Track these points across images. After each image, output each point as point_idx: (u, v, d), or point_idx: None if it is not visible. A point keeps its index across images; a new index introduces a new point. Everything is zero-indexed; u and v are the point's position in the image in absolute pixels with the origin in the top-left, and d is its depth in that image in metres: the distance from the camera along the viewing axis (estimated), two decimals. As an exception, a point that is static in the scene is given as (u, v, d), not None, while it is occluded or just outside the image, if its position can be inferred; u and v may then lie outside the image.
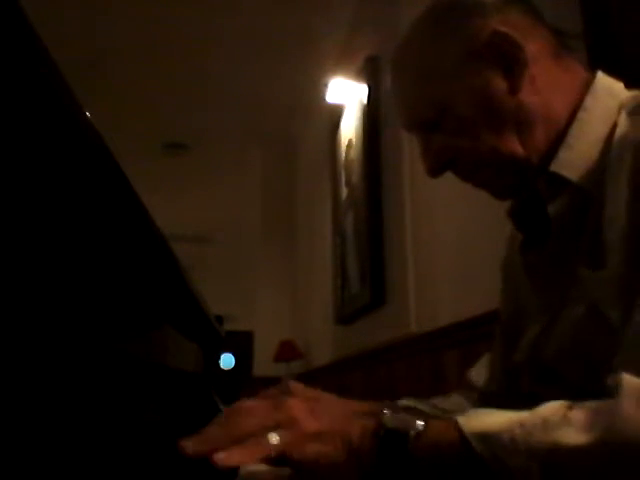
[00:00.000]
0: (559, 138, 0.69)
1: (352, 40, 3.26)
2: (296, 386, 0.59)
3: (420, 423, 0.53)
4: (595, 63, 1.07)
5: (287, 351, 4.16)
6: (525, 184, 0.73)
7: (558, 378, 0.69)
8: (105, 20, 3.33)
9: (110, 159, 0.47)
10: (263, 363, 4.47)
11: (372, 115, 2.81)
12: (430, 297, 2.16)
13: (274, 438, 0.51)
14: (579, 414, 0.50)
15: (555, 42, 0.73)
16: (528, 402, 0.73)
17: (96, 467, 0.50)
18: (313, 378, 3.91)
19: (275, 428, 0.52)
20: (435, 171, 0.77)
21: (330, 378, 3.45)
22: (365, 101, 2.88)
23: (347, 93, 3.21)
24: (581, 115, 0.69)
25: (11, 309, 0.36)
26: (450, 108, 0.72)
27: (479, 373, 0.93)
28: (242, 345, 6.04)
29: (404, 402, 0.85)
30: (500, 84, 0.70)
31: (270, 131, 4.68)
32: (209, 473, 0.63)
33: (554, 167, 0.68)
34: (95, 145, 0.44)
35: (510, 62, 0.70)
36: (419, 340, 2.14)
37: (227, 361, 4.64)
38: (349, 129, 3.21)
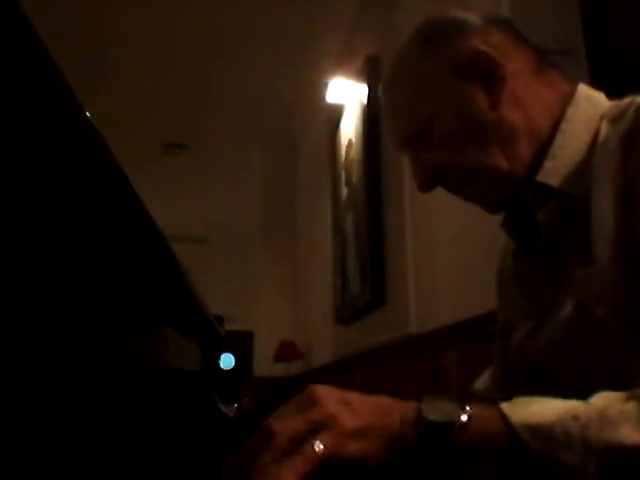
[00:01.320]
0: (543, 149, 0.72)
1: (352, 40, 3.26)
2: (321, 387, 0.56)
3: (462, 415, 0.52)
4: (595, 72, 1.07)
5: (287, 351, 4.16)
6: (512, 196, 0.76)
7: (547, 377, 0.70)
8: (105, 20, 3.33)
9: (110, 159, 0.47)
10: (263, 363, 4.47)
11: (372, 115, 2.80)
12: (430, 297, 2.16)
13: (317, 445, 0.49)
14: (637, 408, 0.49)
15: (536, 59, 0.76)
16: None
17: (96, 467, 0.50)
18: (313, 378, 3.91)
19: (313, 431, 0.50)
20: (425, 186, 0.79)
21: (330, 378, 3.45)
22: (365, 101, 2.88)
23: (347, 93, 3.21)
24: (564, 126, 0.72)
25: (12, 310, 0.36)
26: (436, 123, 0.75)
27: (484, 384, 0.94)
28: (242, 345, 6.04)
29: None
30: (481, 100, 0.73)
31: (270, 131, 4.68)
32: (209, 473, 0.63)
33: (540, 177, 0.71)
34: (95, 145, 0.44)
35: (490, 79, 0.73)
36: (419, 340, 2.14)
37: (227, 361, 4.63)
38: (349, 129, 3.21)
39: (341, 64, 3.37)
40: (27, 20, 0.33)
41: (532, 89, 0.74)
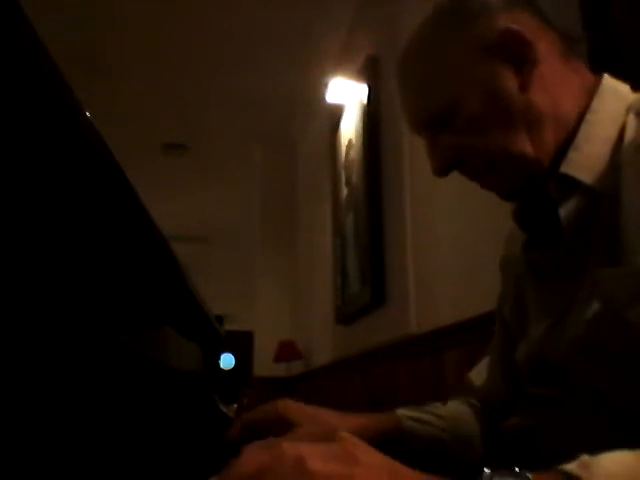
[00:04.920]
0: (568, 139, 0.69)
1: (352, 40, 3.26)
2: (370, 451, 0.43)
3: None
4: (595, 65, 1.07)
5: (287, 351, 4.16)
6: (533, 186, 0.73)
7: (562, 378, 0.68)
8: (105, 20, 3.33)
9: (110, 159, 0.47)
10: (263, 363, 4.47)
11: (372, 115, 2.81)
12: (430, 297, 2.16)
13: None
14: None
15: (563, 44, 0.73)
16: (532, 406, 0.72)
17: (96, 466, 0.50)
18: (313, 378, 3.92)
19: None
20: (442, 171, 0.76)
21: (330, 378, 3.45)
22: (365, 101, 2.88)
23: (347, 93, 3.21)
24: (589, 117, 0.69)
25: (11, 310, 0.36)
26: (459, 105, 0.71)
27: (479, 375, 0.92)
28: (242, 345, 6.04)
29: (403, 412, 0.85)
30: (510, 82, 0.70)
31: (270, 131, 4.68)
32: (209, 473, 0.63)
33: (564, 168, 0.68)
34: (95, 145, 0.44)
35: (520, 60, 0.70)
36: (419, 340, 2.14)
37: (227, 361, 4.64)
38: (349, 129, 3.21)
39: (341, 64, 3.37)
40: (27, 20, 0.33)
41: (560, 75, 0.71)
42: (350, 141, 3.18)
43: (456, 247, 1.96)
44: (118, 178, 0.50)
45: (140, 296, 0.71)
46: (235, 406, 1.35)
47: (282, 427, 0.68)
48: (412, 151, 2.36)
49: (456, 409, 0.89)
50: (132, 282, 0.66)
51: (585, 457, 0.44)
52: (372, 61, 2.82)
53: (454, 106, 0.71)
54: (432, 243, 2.16)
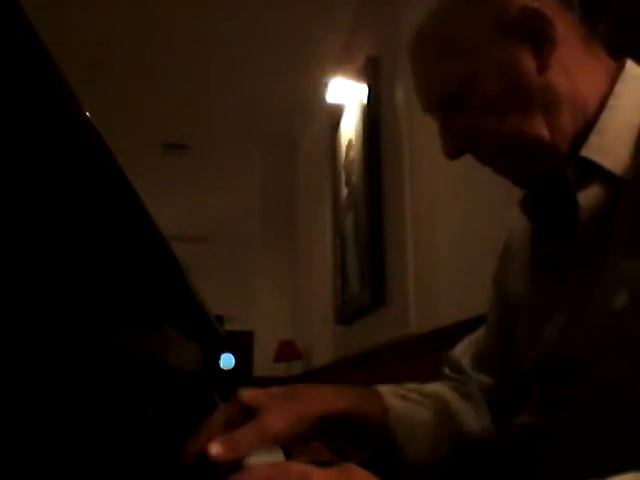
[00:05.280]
0: (587, 124, 0.67)
1: (352, 40, 3.26)
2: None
3: None
4: (616, 50, 1.04)
5: (287, 351, 4.16)
6: (549, 171, 0.70)
7: (577, 376, 0.65)
8: (105, 20, 3.33)
9: (110, 159, 0.47)
10: (263, 363, 4.47)
11: (372, 115, 2.81)
12: (430, 297, 2.16)
13: None
14: None
15: (582, 28, 0.70)
16: (543, 404, 0.70)
17: (96, 467, 0.50)
18: (313, 378, 3.91)
19: None
20: (454, 153, 0.73)
21: (330, 378, 3.45)
22: (365, 101, 2.88)
23: (347, 93, 3.21)
24: (612, 102, 0.67)
25: (11, 309, 0.36)
26: (475, 83, 0.68)
27: (467, 355, 0.88)
28: (242, 345, 6.05)
29: (383, 389, 0.79)
30: (529, 61, 0.67)
31: (270, 131, 4.68)
32: (208, 472, 0.63)
33: (585, 152, 0.65)
34: (95, 145, 0.44)
35: (540, 39, 0.67)
36: (419, 340, 2.14)
37: (227, 361, 4.64)
38: (349, 129, 3.21)
39: (341, 64, 3.37)
40: (27, 20, 0.33)
41: (579, 58, 0.69)
42: (350, 141, 3.18)
43: (456, 247, 1.96)
44: (118, 178, 0.50)
45: (140, 296, 0.71)
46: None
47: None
48: (412, 151, 2.36)
49: (441, 391, 0.84)
50: (132, 282, 0.66)
51: None
52: (372, 61, 2.83)
53: (469, 85, 0.69)
54: (432, 243, 2.16)
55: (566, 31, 0.68)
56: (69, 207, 0.45)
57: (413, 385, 0.84)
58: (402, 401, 0.78)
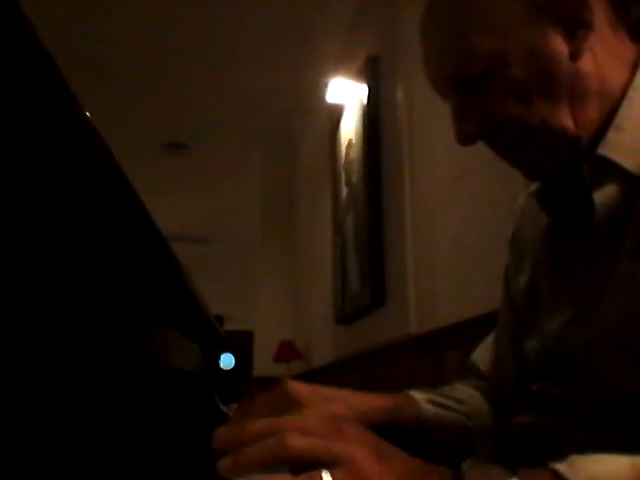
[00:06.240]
0: (609, 118, 0.63)
1: (352, 40, 3.26)
2: (360, 429, 0.48)
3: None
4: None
5: (287, 351, 4.16)
6: (567, 164, 0.66)
7: (577, 375, 0.64)
8: (105, 20, 3.33)
9: (110, 159, 0.47)
10: (263, 363, 4.47)
11: (372, 115, 2.81)
12: (430, 297, 2.16)
13: (327, 478, 0.42)
14: None
15: (612, 10, 0.65)
16: (544, 405, 0.70)
17: (96, 467, 0.50)
18: (313, 378, 3.91)
19: (329, 464, 0.43)
20: (470, 138, 0.67)
21: (330, 378, 3.45)
22: (365, 101, 2.88)
23: (347, 93, 3.21)
24: (632, 94, 0.63)
25: (12, 309, 0.36)
26: (502, 65, 0.62)
27: (484, 359, 0.88)
28: (242, 345, 6.05)
29: (412, 393, 0.80)
30: (561, 47, 0.62)
31: (270, 131, 4.68)
32: (209, 473, 0.63)
33: (603, 150, 0.61)
34: (95, 145, 0.44)
35: (575, 23, 0.62)
36: (419, 340, 2.14)
37: (227, 361, 4.65)
38: (349, 129, 3.21)
39: (341, 64, 3.37)
40: (27, 20, 0.33)
41: (609, 46, 0.64)
42: (350, 141, 3.17)
43: (456, 247, 1.96)
44: (118, 178, 0.50)
45: (140, 296, 0.71)
46: (235, 406, 1.35)
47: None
48: (412, 151, 2.36)
49: (472, 395, 0.83)
50: (132, 282, 0.66)
51: (574, 456, 0.44)
52: (372, 61, 2.82)
53: (493, 67, 0.63)
54: (432, 243, 2.16)
55: (599, 15, 0.63)
56: (69, 207, 0.45)
57: (445, 389, 0.84)
58: (437, 408, 0.78)
